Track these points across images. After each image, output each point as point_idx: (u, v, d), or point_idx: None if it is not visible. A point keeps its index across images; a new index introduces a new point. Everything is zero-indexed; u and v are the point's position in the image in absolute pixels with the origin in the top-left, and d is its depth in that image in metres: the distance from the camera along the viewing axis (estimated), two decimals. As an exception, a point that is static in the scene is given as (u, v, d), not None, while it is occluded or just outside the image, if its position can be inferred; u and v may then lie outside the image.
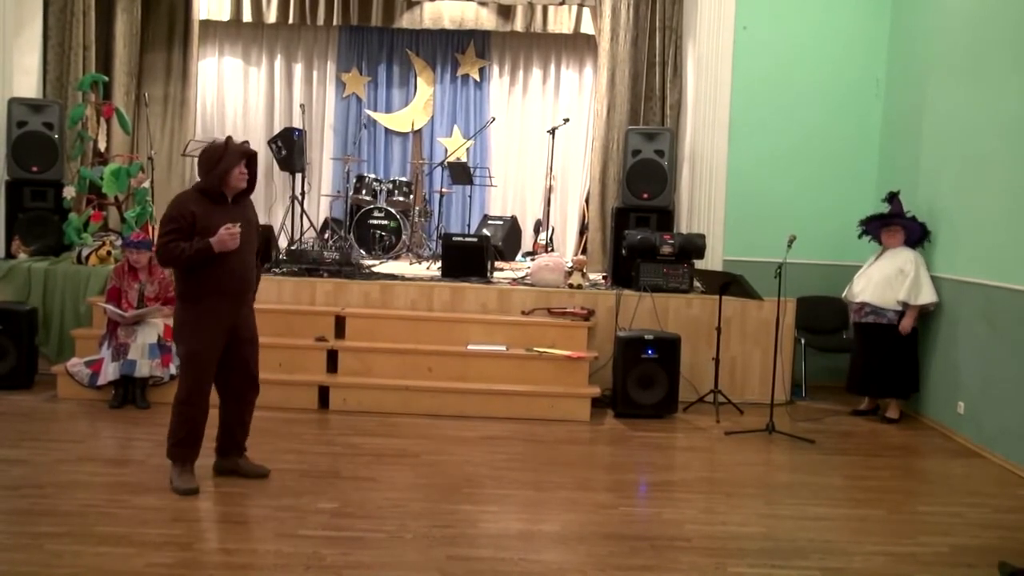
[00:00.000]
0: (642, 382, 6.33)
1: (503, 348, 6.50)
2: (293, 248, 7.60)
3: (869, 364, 6.56)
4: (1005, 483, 5.17)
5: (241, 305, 4.47)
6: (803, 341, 7.31)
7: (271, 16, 10.03)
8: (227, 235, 4.22)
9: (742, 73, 7.66)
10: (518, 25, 10.06)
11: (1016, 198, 5.53)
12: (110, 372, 6.01)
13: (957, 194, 6.30)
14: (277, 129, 9.96)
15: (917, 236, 6.55)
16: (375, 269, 7.49)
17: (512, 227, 9.57)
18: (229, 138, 4.43)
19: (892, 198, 6.73)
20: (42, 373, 6.54)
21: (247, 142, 4.56)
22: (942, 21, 6.68)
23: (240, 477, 4.62)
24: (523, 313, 6.78)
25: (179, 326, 4.42)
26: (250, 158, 4.41)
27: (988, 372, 5.77)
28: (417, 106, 10.62)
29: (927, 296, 6.32)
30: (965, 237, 6.18)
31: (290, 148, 8.56)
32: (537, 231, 10.14)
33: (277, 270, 7.08)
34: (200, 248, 4.20)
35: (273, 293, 6.85)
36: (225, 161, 4.28)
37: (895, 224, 6.55)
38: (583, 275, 7.14)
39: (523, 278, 7.31)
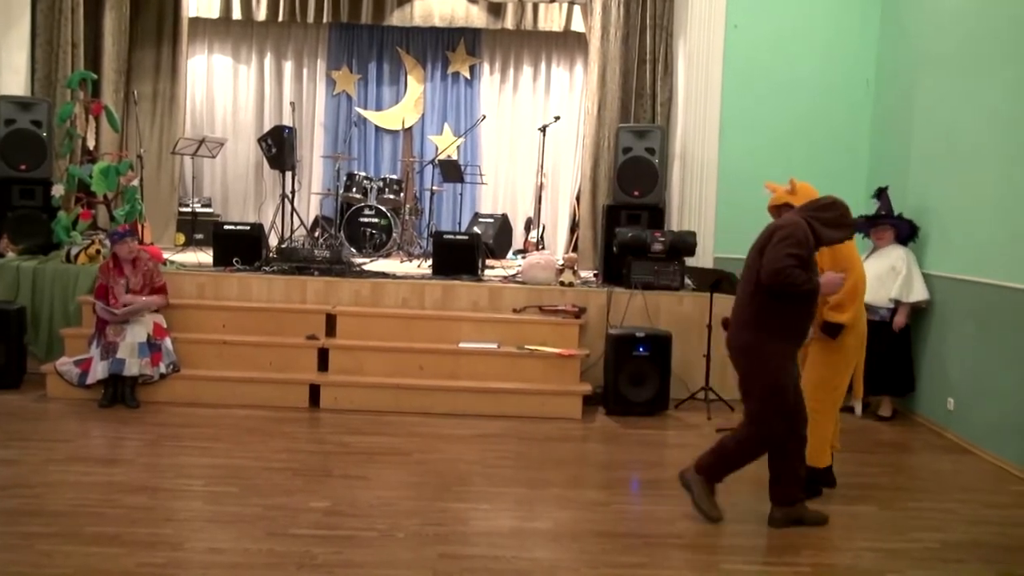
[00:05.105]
0: (633, 379, 6.33)
1: (494, 346, 6.49)
2: (283, 246, 7.57)
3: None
4: (995, 479, 5.19)
5: None
6: (794, 338, 7.29)
7: (261, 13, 9.99)
8: (838, 279, 4.21)
9: (733, 71, 7.67)
10: (508, 23, 10.05)
11: (1006, 195, 5.55)
12: (99, 371, 5.97)
13: (947, 191, 6.32)
14: (267, 127, 9.92)
15: (906, 233, 6.58)
16: (366, 267, 7.46)
17: (503, 225, 9.55)
18: (846, 208, 4.30)
19: (880, 194, 6.76)
20: (31, 372, 6.49)
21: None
22: (932, 17, 6.70)
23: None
24: (514, 311, 6.77)
25: (768, 357, 4.18)
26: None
27: (978, 369, 5.79)
28: (408, 104, 10.60)
29: (919, 293, 6.35)
30: (956, 234, 6.20)
31: (280, 146, 8.52)
32: (528, 229, 10.12)
33: (267, 268, 7.05)
34: (813, 286, 4.10)
35: (263, 292, 6.83)
36: (851, 227, 4.30)
37: (884, 223, 6.59)
38: (574, 273, 7.14)
39: (514, 276, 7.31)
